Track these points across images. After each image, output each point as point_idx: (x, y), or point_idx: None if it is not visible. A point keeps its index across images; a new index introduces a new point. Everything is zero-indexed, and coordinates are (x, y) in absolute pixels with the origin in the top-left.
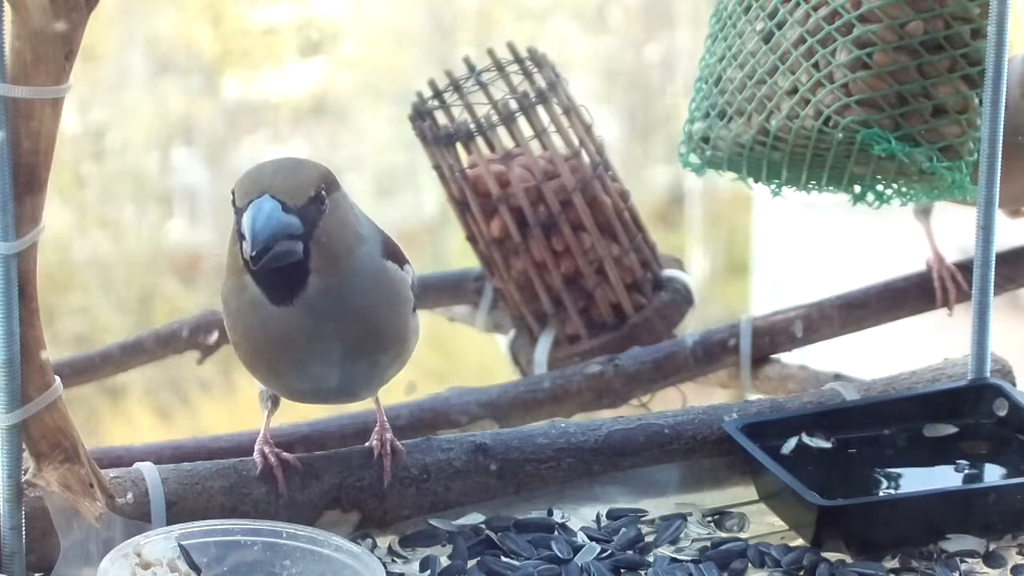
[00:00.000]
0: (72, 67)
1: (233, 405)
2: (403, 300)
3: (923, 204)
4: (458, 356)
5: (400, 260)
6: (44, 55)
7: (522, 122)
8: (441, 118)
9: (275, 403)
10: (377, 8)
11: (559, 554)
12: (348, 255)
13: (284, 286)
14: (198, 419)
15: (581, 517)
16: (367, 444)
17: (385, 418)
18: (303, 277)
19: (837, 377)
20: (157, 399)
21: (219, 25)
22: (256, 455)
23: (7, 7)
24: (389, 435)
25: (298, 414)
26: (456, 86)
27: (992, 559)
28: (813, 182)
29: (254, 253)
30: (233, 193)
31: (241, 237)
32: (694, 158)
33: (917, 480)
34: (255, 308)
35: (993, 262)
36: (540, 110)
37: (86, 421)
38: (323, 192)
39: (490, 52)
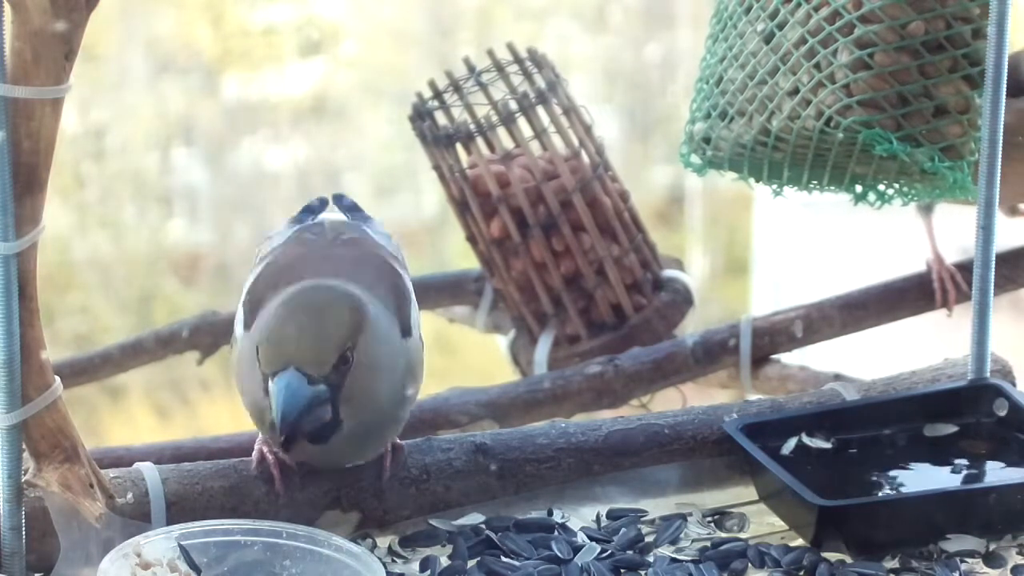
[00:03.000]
0: (72, 67)
1: (234, 405)
2: (419, 366)
3: (926, 202)
4: (458, 356)
5: (406, 319)
6: (44, 55)
7: (522, 122)
8: (441, 118)
9: None
10: (377, 8)
11: (559, 554)
12: (375, 395)
13: (320, 437)
14: (199, 419)
15: (581, 517)
16: None
17: None
18: (335, 428)
19: (837, 377)
20: (158, 399)
21: (219, 25)
22: (255, 454)
23: (7, 7)
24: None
25: None
26: (456, 86)
27: (992, 559)
28: (815, 182)
29: (283, 436)
30: (257, 351)
31: (271, 411)
32: (695, 158)
33: (917, 480)
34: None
35: (993, 262)
36: (540, 110)
37: (86, 421)
38: (348, 353)
39: (490, 52)
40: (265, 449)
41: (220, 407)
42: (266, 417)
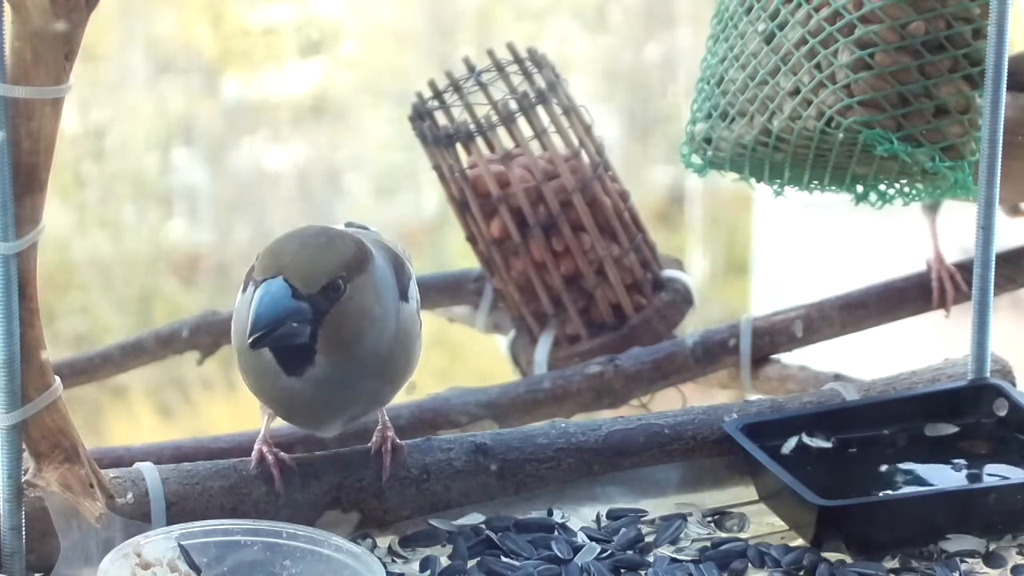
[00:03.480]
0: (72, 67)
1: (235, 405)
2: (413, 339)
3: (931, 201)
4: (458, 356)
5: (405, 281)
6: (44, 55)
7: (522, 122)
8: (441, 118)
9: None
10: (377, 8)
11: (559, 554)
12: (360, 340)
13: (292, 362)
14: (200, 419)
15: (581, 517)
16: (369, 444)
17: (387, 418)
18: (310, 357)
19: (837, 377)
20: (159, 399)
21: (219, 25)
22: (254, 454)
23: (7, 7)
24: (391, 433)
25: None
26: (456, 86)
27: (992, 559)
28: (816, 182)
29: (251, 337)
30: (255, 263)
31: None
32: (696, 159)
33: (917, 480)
34: (267, 371)
35: (993, 262)
36: (540, 110)
37: (87, 421)
38: (340, 281)
39: (490, 52)
40: (265, 449)
41: (221, 407)
42: (255, 364)
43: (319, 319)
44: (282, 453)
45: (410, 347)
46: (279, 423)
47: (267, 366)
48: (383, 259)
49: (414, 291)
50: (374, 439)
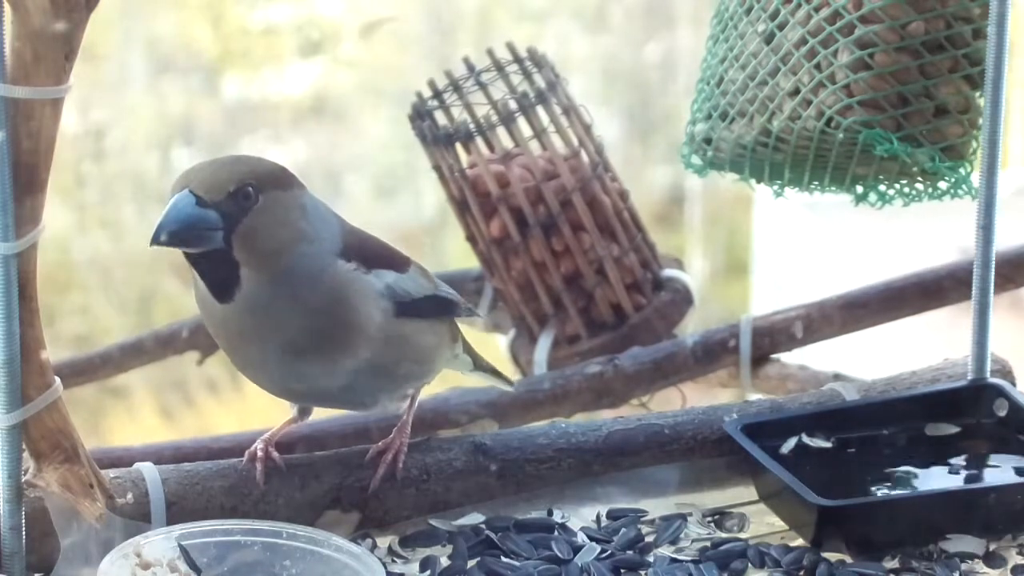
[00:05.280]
0: (72, 67)
1: (238, 405)
2: (358, 301)
3: None
4: None
5: (370, 264)
6: (44, 55)
7: (522, 122)
8: (441, 118)
9: (302, 413)
10: (377, 8)
11: (559, 554)
12: (282, 253)
13: (220, 283)
14: (201, 419)
15: (581, 517)
16: (377, 445)
17: (407, 422)
18: (234, 272)
19: (837, 377)
20: (160, 399)
21: (219, 25)
22: (248, 450)
23: (7, 7)
24: (400, 440)
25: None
26: (456, 86)
27: (992, 559)
28: (815, 183)
29: (153, 240)
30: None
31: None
32: (696, 159)
33: (917, 480)
34: (206, 304)
35: (993, 262)
36: (540, 110)
37: (87, 421)
38: (249, 188)
39: (490, 52)
40: (260, 446)
41: (221, 407)
42: (202, 302)
43: (231, 226)
44: (274, 452)
45: (357, 312)
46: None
47: (204, 297)
48: (332, 216)
49: (391, 280)
50: (391, 438)
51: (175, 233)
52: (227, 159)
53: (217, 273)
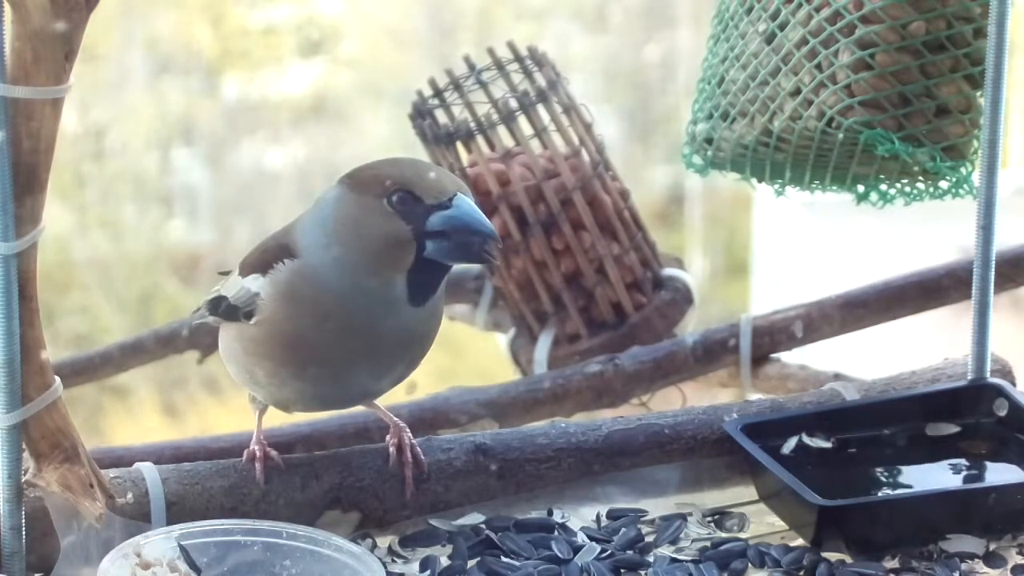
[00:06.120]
0: (72, 67)
1: (238, 404)
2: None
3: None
4: (458, 355)
5: None
6: (44, 55)
7: (522, 121)
8: (441, 117)
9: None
10: (377, 8)
11: (559, 554)
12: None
13: (428, 286)
14: (201, 418)
15: (581, 517)
16: (387, 445)
17: (396, 417)
18: (440, 277)
19: (837, 377)
20: (160, 399)
21: (219, 25)
22: (246, 452)
23: (7, 7)
24: (407, 436)
25: (299, 414)
26: (456, 85)
27: (992, 559)
28: (816, 182)
29: (492, 250)
30: (408, 188)
31: (463, 230)
32: (697, 159)
33: (917, 480)
34: (392, 307)
35: (993, 262)
36: (540, 109)
37: (87, 421)
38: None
39: (490, 51)
40: (256, 448)
41: (221, 406)
42: (398, 260)
43: None
44: (272, 451)
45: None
46: (280, 423)
47: (397, 299)
48: None
49: None
50: (390, 443)
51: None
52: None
53: (432, 275)
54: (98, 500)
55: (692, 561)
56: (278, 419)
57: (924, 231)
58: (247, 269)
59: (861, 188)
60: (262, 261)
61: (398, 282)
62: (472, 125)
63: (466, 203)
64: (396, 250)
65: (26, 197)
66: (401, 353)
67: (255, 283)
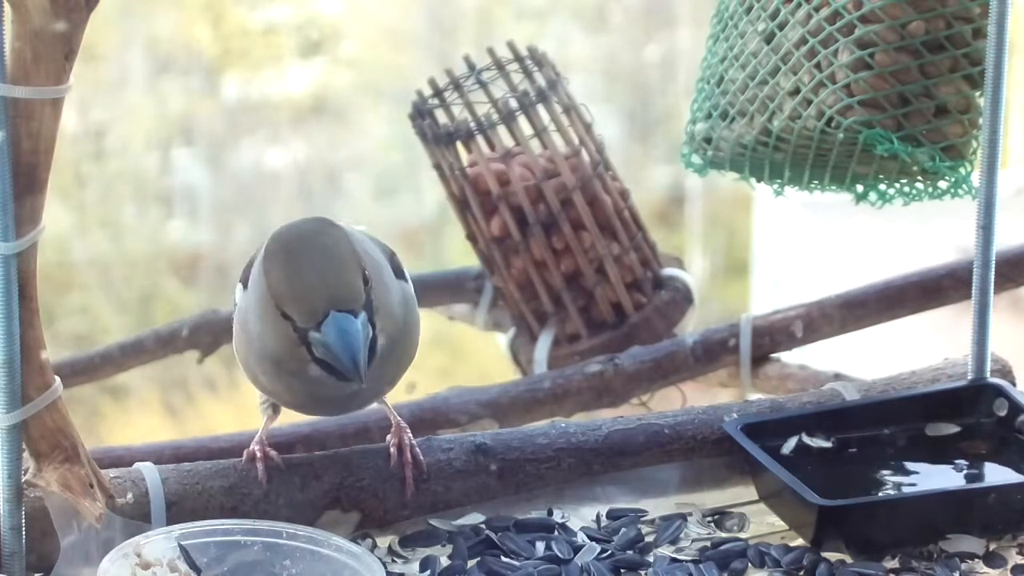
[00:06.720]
0: (72, 67)
1: (236, 404)
2: (417, 314)
3: None
4: (458, 355)
5: (397, 263)
6: (44, 55)
7: (522, 121)
8: (441, 116)
9: (276, 410)
10: (377, 8)
11: (559, 554)
12: (391, 306)
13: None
14: (201, 418)
15: (581, 517)
16: (388, 444)
17: (399, 417)
18: (375, 346)
19: (837, 377)
20: (160, 399)
21: (219, 25)
22: (246, 452)
23: (7, 7)
24: (408, 436)
25: (299, 415)
26: (456, 85)
27: (992, 559)
28: (815, 182)
29: (364, 380)
30: (280, 306)
31: (331, 359)
32: (696, 159)
33: (917, 480)
34: (315, 383)
35: (993, 262)
36: (540, 109)
37: (87, 421)
38: (365, 272)
39: (490, 51)
40: (257, 448)
41: (221, 406)
42: (288, 366)
43: (371, 318)
44: (272, 451)
45: (413, 318)
46: (279, 423)
47: (318, 378)
48: (364, 238)
49: (398, 262)
50: (390, 442)
51: (366, 355)
52: (329, 257)
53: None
54: (98, 500)
55: (692, 561)
56: (278, 419)
57: (924, 231)
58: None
59: (860, 188)
60: (243, 273)
61: (311, 368)
62: (472, 125)
63: (333, 330)
64: (289, 345)
65: (26, 197)
66: (353, 403)
67: (238, 292)
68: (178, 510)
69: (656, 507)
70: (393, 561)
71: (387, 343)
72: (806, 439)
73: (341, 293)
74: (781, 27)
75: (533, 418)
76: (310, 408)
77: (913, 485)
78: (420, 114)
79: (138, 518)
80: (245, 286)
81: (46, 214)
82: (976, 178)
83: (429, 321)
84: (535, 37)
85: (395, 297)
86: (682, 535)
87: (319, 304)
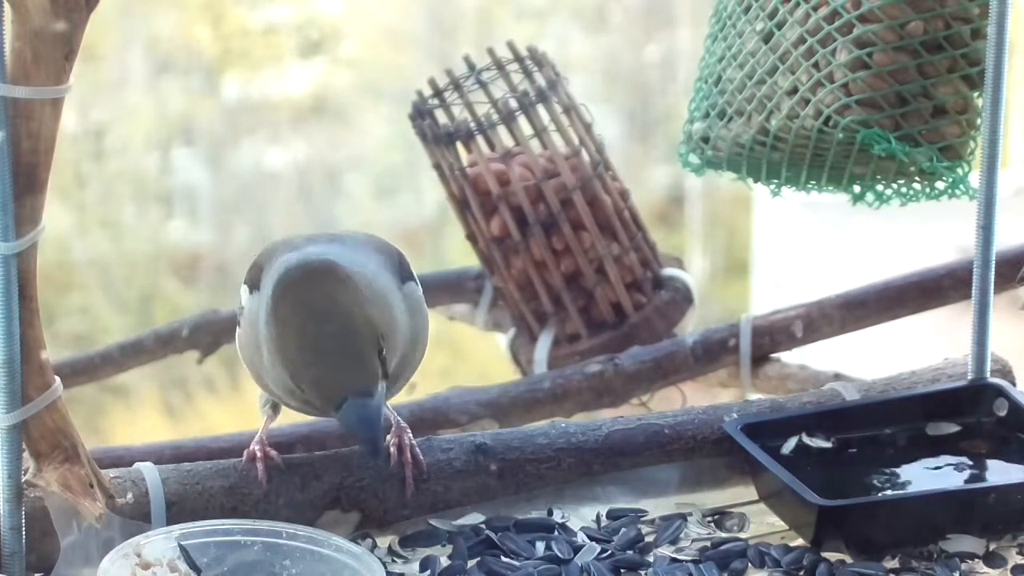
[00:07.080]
0: (72, 67)
1: (236, 404)
2: (425, 316)
3: None
4: (458, 355)
5: (406, 266)
6: (44, 55)
7: (522, 121)
8: (441, 117)
9: (275, 409)
10: (377, 8)
11: (559, 554)
12: (399, 331)
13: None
14: (201, 418)
15: (581, 517)
16: (388, 444)
17: (399, 417)
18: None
19: (837, 377)
20: (160, 398)
21: (219, 25)
22: (246, 452)
23: (7, 7)
24: (408, 436)
25: (299, 415)
26: (456, 85)
27: (992, 559)
28: (813, 182)
29: (382, 457)
30: (296, 383)
31: (348, 434)
32: (694, 158)
33: (917, 480)
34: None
35: (993, 262)
36: (540, 109)
37: (87, 421)
38: (381, 341)
39: (490, 51)
40: (257, 448)
41: (221, 406)
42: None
43: (387, 371)
44: (272, 451)
45: (425, 322)
46: (279, 423)
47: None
48: (370, 259)
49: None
50: (390, 442)
51: (383, 433)
52: (348, 333)
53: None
54: (98, 500)
55: (692, 561)
56: (278, 419)
57: (924, 231)
58: (246, 275)
59: (857, 188)
60: (248, 275)
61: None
62: (472, 125)
63: (352, 417)
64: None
65: (26, 197)
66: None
67: (244, 294)
68: (178, 510)
69: (656, 507)
70: (393, 561)
71: (398, 362)
72: (806, 439)
73: (358, 381)
74: (779, 26)
75: (533, 418)
76: (313, 411)
77: (913, 485)
78: (420, 114)
79: (138, 518)
80: (250, 289)
81: (46, 214)
82: (976, 178)
83: (430, 321)
84: (535, 37)
85: (401, 314)
86: (682, 535)
87: (336, 391)
